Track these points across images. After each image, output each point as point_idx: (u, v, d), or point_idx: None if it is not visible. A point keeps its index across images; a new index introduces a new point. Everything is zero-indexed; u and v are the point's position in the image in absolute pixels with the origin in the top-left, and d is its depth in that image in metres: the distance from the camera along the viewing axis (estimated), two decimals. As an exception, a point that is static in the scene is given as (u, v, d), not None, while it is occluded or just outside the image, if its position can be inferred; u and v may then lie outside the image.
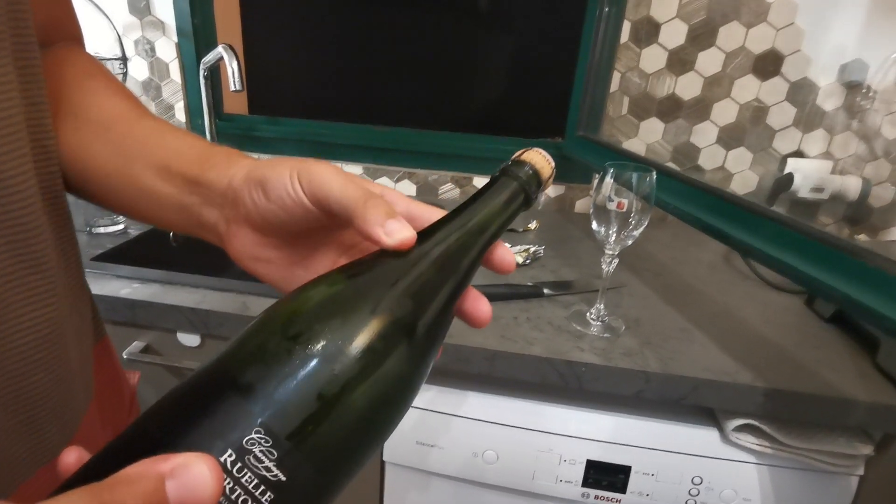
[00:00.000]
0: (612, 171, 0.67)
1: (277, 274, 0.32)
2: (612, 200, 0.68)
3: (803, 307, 0.82)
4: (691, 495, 0.68)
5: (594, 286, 0.82)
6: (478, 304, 0.30)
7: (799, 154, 1.13)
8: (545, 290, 0.79)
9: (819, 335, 0.74)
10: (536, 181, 0.32)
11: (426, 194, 1.24)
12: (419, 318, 0.25)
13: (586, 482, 0.68)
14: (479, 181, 1.23)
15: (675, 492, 0.68)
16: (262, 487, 0.19)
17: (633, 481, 0.68)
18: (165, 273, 0.75)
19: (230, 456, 0.19)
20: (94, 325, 0.42)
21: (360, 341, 0.22)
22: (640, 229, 0.67)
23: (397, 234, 0.26)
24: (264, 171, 0.28)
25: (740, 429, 0.65)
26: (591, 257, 0.94)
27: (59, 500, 0.16)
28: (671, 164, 1.15)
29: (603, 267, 0.69)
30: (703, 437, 0.67)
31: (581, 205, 1.19)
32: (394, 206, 0.28)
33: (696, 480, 0.67)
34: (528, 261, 0.89)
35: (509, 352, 0.64)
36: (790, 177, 1.10)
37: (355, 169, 1.25)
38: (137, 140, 0.33)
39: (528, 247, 0.93)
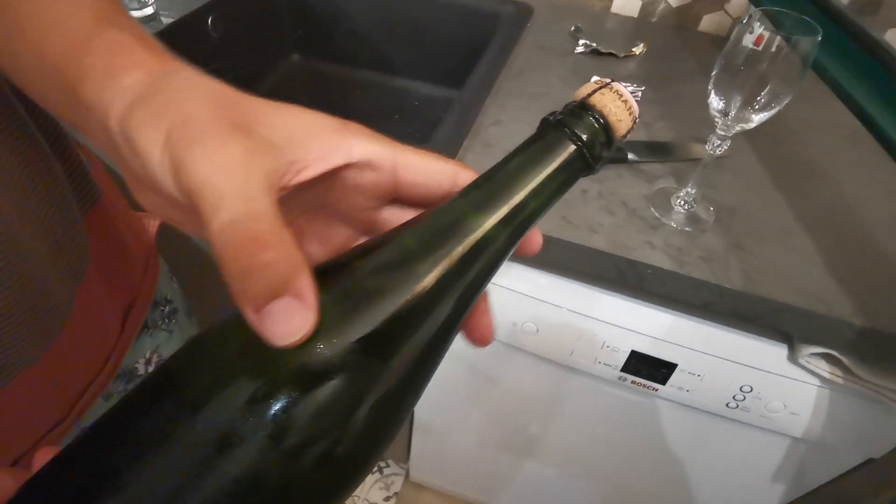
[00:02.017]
0: (759, 21, 0.48)
1: (198, 234, 0.23)
2: (752, 32, 0.50)
3: (955, 211, 0.66)
4: (735, 399, 0.64)
5: (693, 153, 0.68)
6: (482, 320, 0.23)
7: None
8: (630, 156, 0.66)
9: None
10: (605, 139, 0.22)
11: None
12: (392, 375, 0.18)
13: (626, 368, 0.66)
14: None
15: (719, 394, 0.64)
16: None
17: (676, 377, 0.64)
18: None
19: None
20: (79, 197, 0.38)
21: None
22: (770, 112, 0.51)
23: (282, 332, 0.15)
24: (136, 128, 0.18)
25: (816, 355, 0.58)
26: (703, 104, 0.76)
27: None
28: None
29: (707, 148, 0.55)
30: (768, 353, 0.60)
31: (709, 22, 0.94)
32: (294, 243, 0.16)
33: (746, 389, 0.63)
34: (619, 107, 0.74)
35: (566, 240, 0.56)
36: None
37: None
38: (14, 2, 0.22)
39: (624, 85, 0.76)
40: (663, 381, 0.65)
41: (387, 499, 1.23)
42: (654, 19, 0.95)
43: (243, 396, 0.16)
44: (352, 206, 0.23)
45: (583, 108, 0.21)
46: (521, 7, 0.92)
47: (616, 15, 0.96)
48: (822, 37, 0.47)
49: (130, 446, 0.16)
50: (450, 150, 0.64)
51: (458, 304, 0.20)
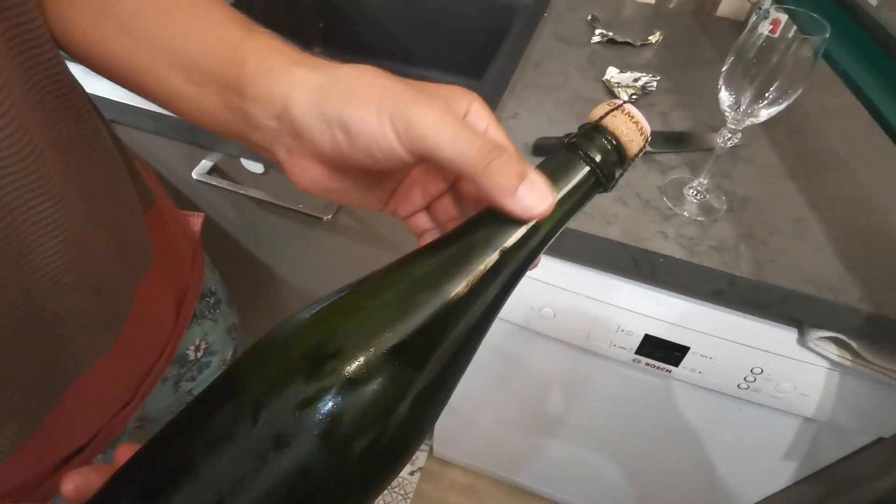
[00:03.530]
0: (770, 16, 0.50)
1: (351, 200, 0.28)
2: (767, 18, 0.52)
3: (970, 197, 0.66)
4: (745, 381, 0.67)
5: (708, 143, 0.69)
6: None
7: None
8: (644, 146, 0.68)
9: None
10: (617, 158, 0.23)
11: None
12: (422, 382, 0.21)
13: (640, 351, 0.69)
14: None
15: (730, 375, 0.67)
16: None
17: (689, 359, 0.67)
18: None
19: None
20: (140, 199, 0.42)
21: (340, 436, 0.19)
22: (779, 107, 0.52)
23: (535, 205, 0.21)
24: (342, 109, 0.22)
25: (825, 339, 0.60)
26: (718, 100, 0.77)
27: None
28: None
29: (718, 141, 0.57)
30: (777, 336, 0.63)
31: (727, 7, 0.94)
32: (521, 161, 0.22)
33: (756, 371, 0.65)
34: (634, 97, 0.75)
35: (582, 231, 0.59)
36: None
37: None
38: (152, 24, 0.26)
39: (638, 75, 0.77)
40: (676, 364, 0.68)
41: (412, 472, 1.29)
42: (671, 5, 0.95)
43: (298, 397, 0.19)
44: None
45: (596, 130, 0.23)
46: (539, -4, 0.93)
47: (633, 1, 0.96)
48: (834, 29, 0.48)
49: (202, 442, 0.19)
50: (470, 144, 0.67)
51: (487, 310, 0.22)
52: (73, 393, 0.37)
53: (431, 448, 1.28)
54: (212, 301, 0.56)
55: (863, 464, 0.76)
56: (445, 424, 1.15)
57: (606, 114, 0.23)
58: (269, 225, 0.84)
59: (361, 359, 0.20)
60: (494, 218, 0.23)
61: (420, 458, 1.31)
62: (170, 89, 0.27)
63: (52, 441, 0.38)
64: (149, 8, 0.26)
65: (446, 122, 0.21)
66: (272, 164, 0.71)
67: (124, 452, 0.22)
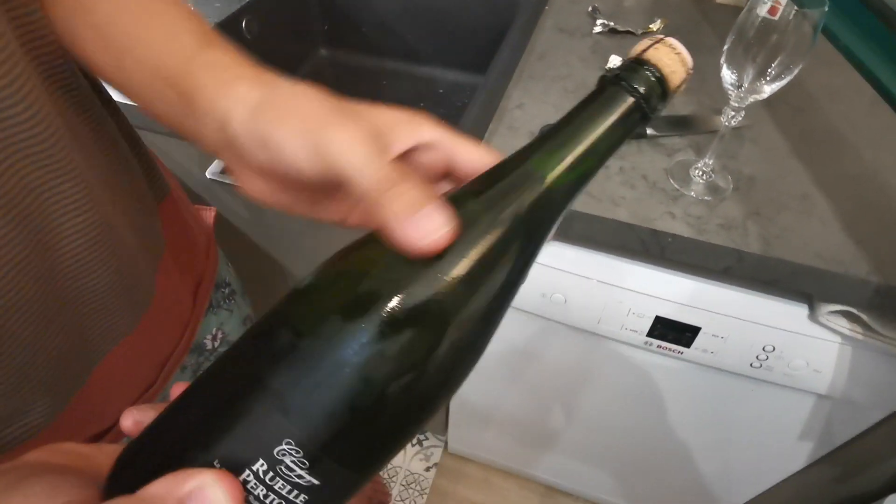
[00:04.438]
0: (768, -4, 0.51)
1: (303, 210, 0.28)
2: (766, 2, 0.53)
3: (976, 171, 0.67)
4: (758, 359, 0.67)
5: (712, 125, 0.70)
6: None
7: None
8: (648, 131, 0.69)
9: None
10: (661, 92, 0.23)
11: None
12: (468, 314, 0.21)
13: (652, 333, 0.69)
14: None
15: (742, 354, 0.67)
16: (296, 492, 0.20)
17: (700, 340, 0.68)
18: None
19: (262, 465, 0.19)
20: (153, 189, 0.43)
21: (394, 346, 0.20)
22: (782, 82, 0.53)
23: (422, 237, 0.19)
24: (269, 129, 0.22)
25: (835, 313, 0.61)
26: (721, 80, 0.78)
27: None
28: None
29: (722, 120, 0.58)
30: (788, 313, 0.63)
31: (727, -7, 0.95)
32: (422, 188, 0.20)
33: (768, 348, 0.66)
34: (638, 84, 0.76)
35: (591, 213, 0.59)
36: None
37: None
38: (123, 29, 0.27)
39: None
40: (688, 345, 0.69)
41: (427, 469, 1.29)
42: (671, -5, 0.96)
43: (348, 332, 0.20)
44: None
45: (639, 63, 0.23)
46: (539, -10, 0.94)
47: (633, -9, 0.97)
48: (834, 5, 0.49)
49: (263, 362, 0.20)
50: (476, 134, 0.68)
51: (527, 249, 0.22)
52: (98, 373, 0.38)
53: (446, 444, 1.29)
54: (227, 291, 0.57)
55: (876, 440, 0.76)
56: (459, 420, 1.15)
57: (649, 47, 0.23)
58: (281, 221, 0.86)
59: (407, 294, 0.20)
60: (544, 145, 0.23)
61: (435, 454, 1.32)
62: (136, 90, 0.27)
63: (77, 422, 0.39)
64: (119, 15, 0.27)
65: (357, 146, 0.21)
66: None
67: (177, 388, 0.23)
